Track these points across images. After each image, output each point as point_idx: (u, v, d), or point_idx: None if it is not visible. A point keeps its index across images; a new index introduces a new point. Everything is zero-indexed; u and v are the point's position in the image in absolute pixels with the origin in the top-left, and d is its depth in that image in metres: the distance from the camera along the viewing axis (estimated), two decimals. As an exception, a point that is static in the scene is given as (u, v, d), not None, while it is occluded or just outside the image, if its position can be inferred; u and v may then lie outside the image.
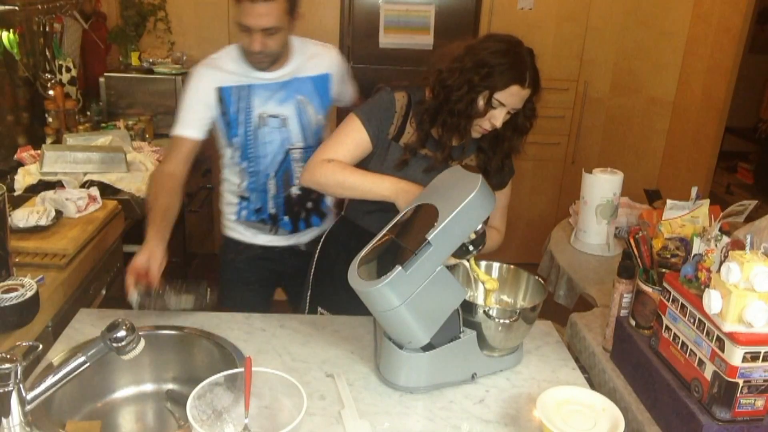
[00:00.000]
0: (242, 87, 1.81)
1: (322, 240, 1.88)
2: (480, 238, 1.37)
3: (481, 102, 1.51)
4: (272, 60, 1.79)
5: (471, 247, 1.36)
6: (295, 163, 1.89)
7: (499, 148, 1.65)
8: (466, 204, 1.26)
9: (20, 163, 2.45)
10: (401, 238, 1.32)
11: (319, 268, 1.86)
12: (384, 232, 1.38)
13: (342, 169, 1.58)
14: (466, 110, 1.52)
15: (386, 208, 1.57)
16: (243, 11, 1.67)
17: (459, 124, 1.55)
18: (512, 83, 1.48)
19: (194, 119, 1.82)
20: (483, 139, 1.64)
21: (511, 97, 1.50)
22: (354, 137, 1.63)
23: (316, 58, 1.88)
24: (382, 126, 1.63)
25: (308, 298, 1.87)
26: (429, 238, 1.24)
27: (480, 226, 1.35)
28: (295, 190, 1.92)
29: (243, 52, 1.80)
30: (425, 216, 1.31)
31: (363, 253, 1.36)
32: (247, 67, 1.81)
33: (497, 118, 1.53)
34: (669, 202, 1.60)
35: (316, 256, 1.87)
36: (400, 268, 1.23)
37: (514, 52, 1.50)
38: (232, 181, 1.94)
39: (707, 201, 1.52)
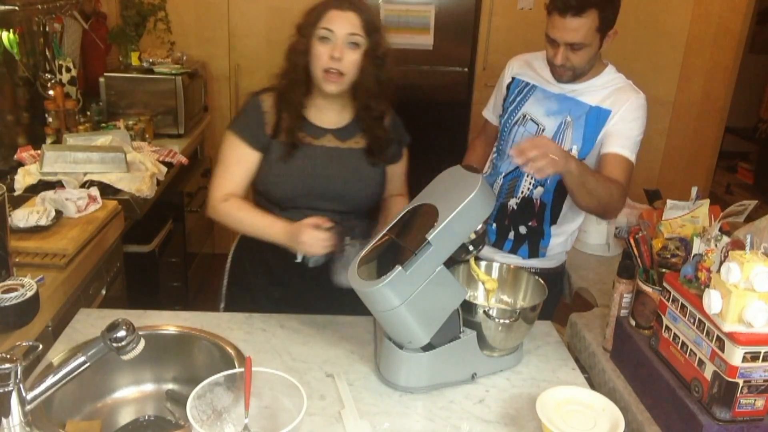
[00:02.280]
0: (528, 84, 1.87)
1: (232, 251, 1.84)
2: (480, 238, 1.37)
3: (314, 40, 1.55)
4: (574, 74, 1.75)
5: (471, 247, 1.37)
6: (526, 177, 1.83)
7: (373, 111, 1.66)
8: (466, 204, 1.26)
9: (20, 163, 2.45)
10: (401, 238, 1.32)
11: (232, 282, 1.82)
12: (384, 231, 1.39)
13: (237, 209, 1.61)
14: (302, 54, 1.56)
15: (295, 209, 1.62)
16: (551, 23, 1.67)
17: (299, 74, 1.58)
18: (329, 8, 1.54)
19: (496, 104, 1.98)
20: (361, 117, 1.67)
21: (334, 19, 1.54)
22: (235, 156, 1.64)
23: (613, 94, 1.75)
24: (257, 130, 1.63)
25: (222, 310, 1.82)
26: (429, 238, 1.24)
27: (480, 226, 1.35)
28: (513, 202, 1.86)
29: (547, 54, 1.78)
30: (425, 216, 1.31)
31: (363, 253, 1.36)
32: (546, 69, 1.82)
33: (333, 48, 1.54)
34: (669, 202, 1.60)
35: (227, 270, 1.82)
36: (400, 268, 1.23)
37: None
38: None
39: (707, 201, 1.51)
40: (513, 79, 1.91)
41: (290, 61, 1.60)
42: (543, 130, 1.79)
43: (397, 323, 1.29)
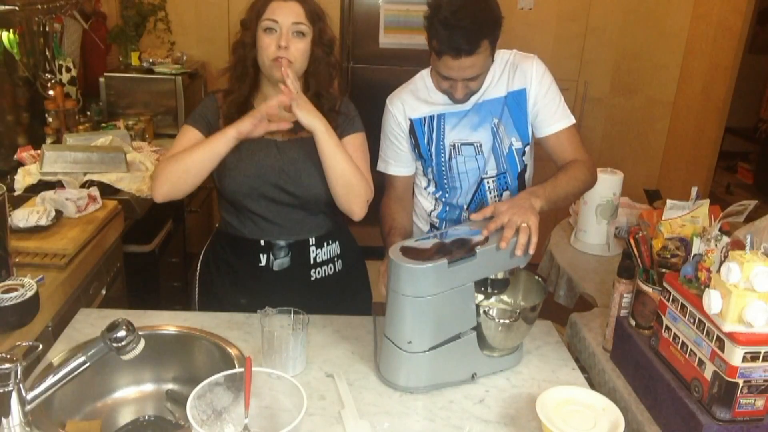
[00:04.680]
0: (433, 116, 1.72)
1: (200, 259, 1.84)
2: (502, 282, 1.44)
3: (259, 32, 1.55)
4: (472, 95, 1.68)
5: (490, 288, 1.44)
6: (489, 193, 1.77)
7: (324, 99, 1.65)
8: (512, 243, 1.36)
9: (20, 163, 2.45)
10: (450, 244, 1.37)
11: (202, 292, 1.81)
12: (436, 233, 1.44)
13: (179, 155, 1.54)
14: (248, 46, 1.56)
15: (252, 201, 1.63)
16: (444, 64, 1.56)
17: (246, 64, 1.58)
18: (270, 1, 1.54)
19: (396, 156, 1.78)
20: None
21: (278, 10, 1.54)
22: (188, 138, 1.62)
23: (512, 72, 1.70)
24: (212, 120, 1.64)
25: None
26: (477, 250, 1.32)
27: (508, 273, 1.43)
28: None
29: (437, 85, 1.70)
30: (477, 238, 1.39)
31: (408, 242, 1.39)
32: (438, 95, 1.72)
33: (279, 38, 1.53)
34: (669, 202, 1.59)
35: (197, 279, 1.82)
36: (445, 261, 1.28)
37: None
38: (422, 206, 1.86)
39: (707, 201, 1.51)
40: (411, 120, 1.73)
41: (236, 55, 1.60)
42: (481, 146, 1.72)
43: (411, 315, 1.31)
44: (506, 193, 1.78)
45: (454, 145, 1.72)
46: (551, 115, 1.68)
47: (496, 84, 1.70)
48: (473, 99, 1.69)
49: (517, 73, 1.69)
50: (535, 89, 1.68)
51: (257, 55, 1.57)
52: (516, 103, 1.70)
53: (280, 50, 1.53)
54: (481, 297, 1.41)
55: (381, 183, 1.83)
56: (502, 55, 1.71)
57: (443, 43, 1.51)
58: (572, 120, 1.71)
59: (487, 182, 1.75)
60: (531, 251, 1.38)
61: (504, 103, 1.70)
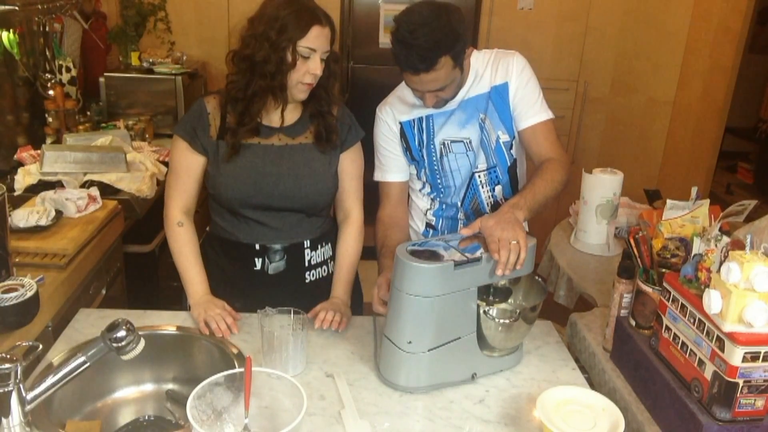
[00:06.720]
0: (422, 117, 1.73)
1: None
2: (504, 291, 1.47)
3: (289, 57, 1.52)
4: (447, 101, 1.69)
5: (493, 296, 1.46)
6: (481, 188, 1.78)
7: (322, 102, 1.66)
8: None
9: (20, 163, 2.45)
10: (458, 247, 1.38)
11: None
12: (441, 237, 1.44)
13: (180, 244, 1.66)
14: (278, 68, 1.53)
15: (249, 209, 1.64)
16: (407, 78, 1.59)
17: (273, 84, 1.55)
18: (311, 26, 1.51)
19: (391, 162, 1.79)
20: (309, 110, 1.66)
21: (317, 39, 1.52)
22: (182, 164, 1.64)
23: (495, 68, 1.71)
24: (200, 133, 1.62)
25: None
26: (483, 256, 1.34)
27: (510, 281, 1.47)
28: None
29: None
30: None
31: (415, 245, 1.39)
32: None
33: (315, 66, 1.54)
34: (669, 202, 1.59)
35: None
36: (451, 262, 1.29)
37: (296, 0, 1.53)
38: (418, 206, 1.87)
39: (707, 201, 1.51)
40: (401, 123, 1.75)
41: (269, 77, 1.54)
42: (470, 141, 1.73)
43: (412, 315, 1.31)
44: (498, 188, 1.79)
45: (444, 143, 1.73)
46: (529, 108, 1.69)
47: (479, 81, 1.71)
48: (459, 97, 1.70)
49: (500, 68, 1.70)
50: (515, 81, 1.69)
51: (285, 73, 1.54)
52: (500, 96, 1.71)
53: (311, 76, 1.55)
54: (482, 304, 1.41)
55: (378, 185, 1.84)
56: (484, 54, 1.73)
57: (401, 62, 1.54)
58: (550, 115, 1.71)
59: (478, 176, 1.76)
60: (519, 267, 1.37)
61: (488, 98, 1.71)
